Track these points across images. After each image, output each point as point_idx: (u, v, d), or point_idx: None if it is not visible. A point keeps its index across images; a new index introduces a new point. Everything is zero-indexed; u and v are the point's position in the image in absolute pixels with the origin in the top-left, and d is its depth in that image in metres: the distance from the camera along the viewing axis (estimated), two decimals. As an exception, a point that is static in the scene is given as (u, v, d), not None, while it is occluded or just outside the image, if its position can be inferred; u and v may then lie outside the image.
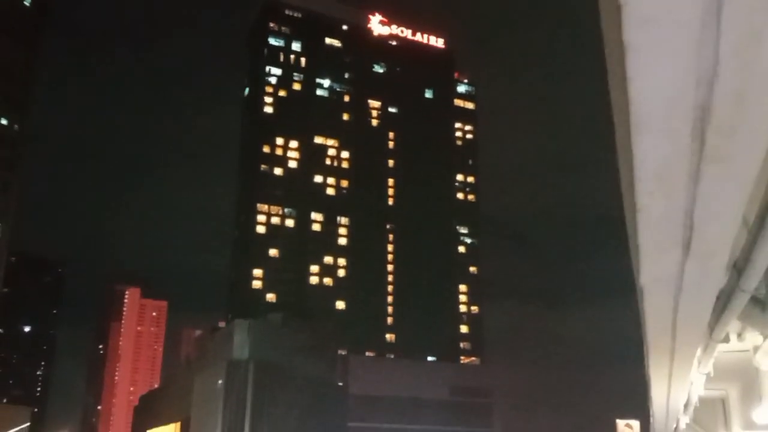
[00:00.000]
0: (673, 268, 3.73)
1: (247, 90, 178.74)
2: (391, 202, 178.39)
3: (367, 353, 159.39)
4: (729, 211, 3.01)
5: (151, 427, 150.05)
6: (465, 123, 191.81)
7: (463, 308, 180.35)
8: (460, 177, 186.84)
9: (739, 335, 6.73)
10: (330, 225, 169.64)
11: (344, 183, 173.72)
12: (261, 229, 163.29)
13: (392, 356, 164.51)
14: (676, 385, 7.66)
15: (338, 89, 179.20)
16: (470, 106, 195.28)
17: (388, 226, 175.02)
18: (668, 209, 3.01)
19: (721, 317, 5.33)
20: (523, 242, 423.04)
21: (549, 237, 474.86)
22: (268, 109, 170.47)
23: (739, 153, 2.53)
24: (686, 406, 10.01)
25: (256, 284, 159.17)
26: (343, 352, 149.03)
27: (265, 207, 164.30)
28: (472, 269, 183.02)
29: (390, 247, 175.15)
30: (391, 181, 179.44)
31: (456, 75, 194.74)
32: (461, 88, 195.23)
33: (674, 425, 12.23)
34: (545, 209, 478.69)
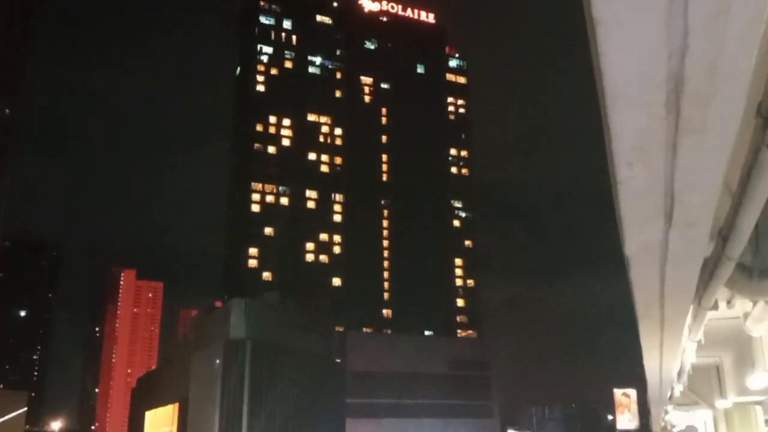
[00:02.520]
0: (657, 237, 3.77)
1: (238, 69, 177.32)
2: (385, 178, 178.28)
3: (365, 329, 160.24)
4: (709, 180, 3.04)
5: (149, 409, 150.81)
6: (457, 98, 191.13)
7: (459, 282, 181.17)
8: (453, 151, 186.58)
9: (729, 302, 6.80)
10: (324, 202, 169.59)
11: (338, 160, 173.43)
12: (255, 208, 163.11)
13: (389, 331, 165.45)
14: (668, 353, 7.76)
15: (330, 66, 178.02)
16: (462, 80, 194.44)
17: (382, 202, 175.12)
18: (648, 180, 3.05)
19: (709, 285, 5.39)
20: (518, 215, 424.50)
21: (544, 209, 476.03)
22: (260, 88, 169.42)
23: (715, 123, 2.55)
24: (680, 373, 10.14)
25: (252, 263, 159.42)
26: (341, 329, 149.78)
27: (259, 185, 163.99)
28: (468, 243, 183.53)
29: (385, 223, 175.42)
30: (384, 157, 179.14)
31: (447, 50, 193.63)
32: (453, 63, 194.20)
33: (669, 393, 12.38)
34: (540, 182, 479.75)
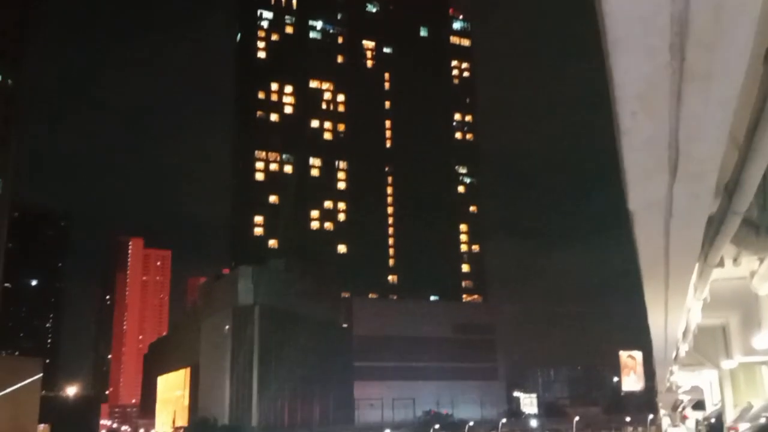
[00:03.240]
0: (661, 191, 3.71)
1: (239, 36, 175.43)
2: (388, 144, 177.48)
3: (370, 295, 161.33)
4: (715, 131, 2.97)
5: (161, 374, 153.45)
6: (461, 61, 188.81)
7: (464, 247, 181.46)
8: (458, 116, 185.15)
9: (735, 260, 6.74)
10: (328, 169, 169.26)
11: (341, 127, 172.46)
12: (260, 176, 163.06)
13: (395, 297, 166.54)
14: (673, 312, 7.74)
15: (331, 31, 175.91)
16: (466, 43, 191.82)
17: (386, 169, 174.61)
18: (653, 131, 2.97)
19: (715, 241, 5.33)
20: (523, 180, 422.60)
21: (549, 173, 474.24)
22: (261, 55, 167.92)
23: (721, 68, 2.45)
24: (685, 333, 10.12)
25: (258, 231, 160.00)
26: (347, 295, 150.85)
27: (262, 154, 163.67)
28: (472, 208, 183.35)
29: (389, 190, 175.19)
30: (388, 123, 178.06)
31: (451, 11, 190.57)
32: (457, 25, 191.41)
33: (674, 353, 12.39)
34: (545, 146, 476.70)
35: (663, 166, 3.35)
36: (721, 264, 6.22)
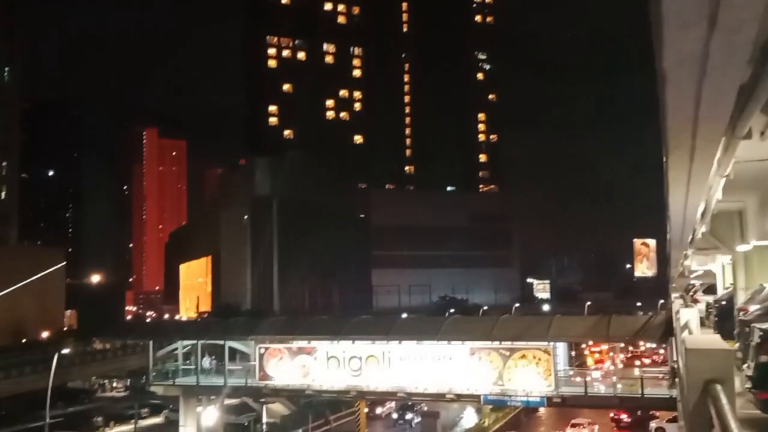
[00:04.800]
0: (697, 46, 3.49)
1: None
2: (405, 28, 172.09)
3: (387, 186, 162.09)
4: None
5: (183, 262, 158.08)
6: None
7: (481, 137, 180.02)
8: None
9: (762, 134, 6.52)
10: (343, 56, 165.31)
11: (355, 10, 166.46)
12: (272, 63, 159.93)
13: (411, 188, 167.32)
14: (695, 189, 7.60)
15: None
16: None
17: (403, 55, 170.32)
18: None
19: (746, 108, 5.11)
20: (544, 66, 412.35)
21: (570, 60, 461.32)
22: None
23: None
24: (704, 214, 10.03)
25: (272, 120, 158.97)
26: (363, 186, 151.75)
27: (274, 39, 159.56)
28: (491, 96, 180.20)
29: (406, 77, 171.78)
30: (404, 6, 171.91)
31: None
32: None
33: (690, 236, 12.39)
34: (567, 31, 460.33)
35: (702, 16, 3.12)
36: (748, 136, 6.02)
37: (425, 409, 53.13)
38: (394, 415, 55.64)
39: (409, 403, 52.89)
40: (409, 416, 54.29)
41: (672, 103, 4.56)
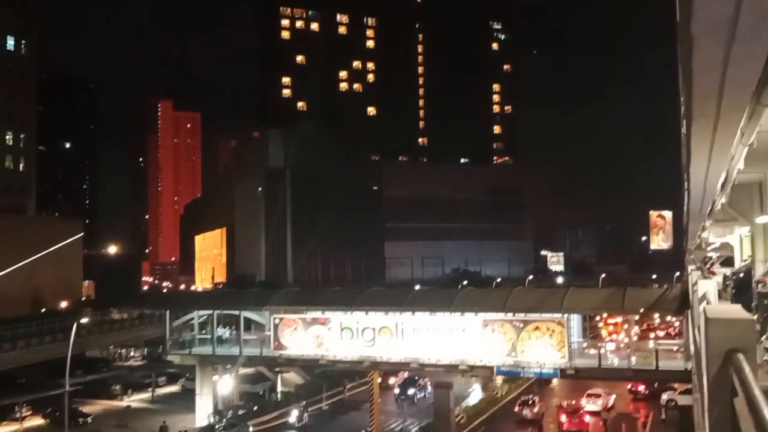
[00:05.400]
0: (728, 10, 3.40)
1: None
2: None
3: (401, 158, 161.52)
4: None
5: (198, 233, 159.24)
6: None
7: (496, 108, 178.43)
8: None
9: (787, 101, 6.35)
10: (356, 27, 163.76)
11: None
12: (285, 35, 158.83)
13: (425, 160, 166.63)
14: (717, 158, 7.48)
15: None
16: None
17: (417, 25, 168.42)
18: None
19: (773, 75, 5.00)
20: (560, 36, 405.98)
21: (587, 31, 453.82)
22: None
23: None
24: (724, 185, 9.88)
25: (286, 92, 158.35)
26: (377, 158, 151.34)
27: (287, 10, 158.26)
28: (506, 67, 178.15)
29: (420, 48, 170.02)
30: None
31: None
32: None
33: (709, 206, 12.26)
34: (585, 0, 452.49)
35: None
36: (774, 104, 5.90)
37: (432, 383, 52.30)
38: (396, 390, 53.51)
39: (415, 378, 52.73)
40: (411, 391, 52.55)
41: (698, 70, 4.46)
